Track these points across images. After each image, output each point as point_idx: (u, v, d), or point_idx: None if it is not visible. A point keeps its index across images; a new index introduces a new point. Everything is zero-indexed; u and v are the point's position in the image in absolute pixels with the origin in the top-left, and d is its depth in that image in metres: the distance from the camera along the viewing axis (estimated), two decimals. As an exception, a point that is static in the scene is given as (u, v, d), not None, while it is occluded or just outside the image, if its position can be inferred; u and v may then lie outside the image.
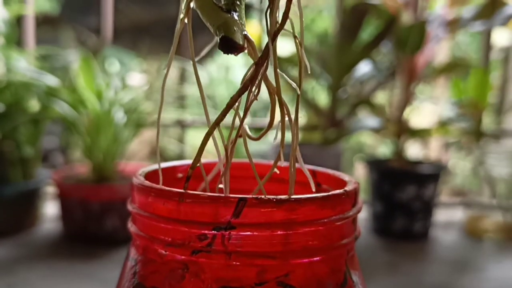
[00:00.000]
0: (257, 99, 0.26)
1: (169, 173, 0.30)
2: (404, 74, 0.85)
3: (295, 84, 0.26)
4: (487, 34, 1.03)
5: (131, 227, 0.25)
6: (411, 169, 0.83)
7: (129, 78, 0.87)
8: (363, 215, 0.90)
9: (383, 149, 1.90)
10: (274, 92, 0.26)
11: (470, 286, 0.63)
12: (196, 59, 0.26)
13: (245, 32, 0.24)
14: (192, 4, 0.25)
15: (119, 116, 0.76)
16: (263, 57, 0.25)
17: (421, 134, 0.90)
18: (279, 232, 0.22)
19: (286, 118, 0.26)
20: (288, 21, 0.25)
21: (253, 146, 1.63)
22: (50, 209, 0.86)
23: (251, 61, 0.25)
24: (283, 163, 0.29)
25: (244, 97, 0.26)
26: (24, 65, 0.77)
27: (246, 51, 0.25)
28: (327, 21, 2.40)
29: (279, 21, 0.25)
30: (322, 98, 0.99)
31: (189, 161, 0.29)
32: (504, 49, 1.25)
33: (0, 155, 0.76)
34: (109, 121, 0.75)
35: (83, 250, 0.70)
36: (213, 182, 0.28)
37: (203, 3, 0.25)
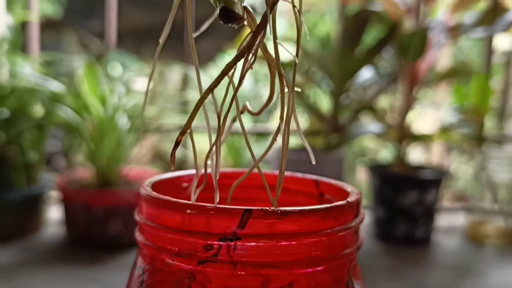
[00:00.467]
0: (252, 68, 0.26)
1: (174, 183, 0.31)
2: (406, 80, 0.86)
3: (293, 54, 0.26)
4: (488, 40, 1.03)
5: (139, 236, 0.26)
6: (413, 174, 0.83)
7: (132, 83, 0.87)
8: (365, 221, 0.90)
9: (386, 153, 1.91)
10: (273, 63, 0.26)
11: (472, 292, 0.63)
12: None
13: (245, 4, 0.24)
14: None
15: (123, 121, 0.77)
16: (261, 25, 0.25)
17: (423, 139, 0.91)
18: (283, 243, 0.23)
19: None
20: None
21: (256, 150, 1.63)
22: (54, 213, 0.87)
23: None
24: (286, 173, 0.29)
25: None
26: (28, 71, 0.78)
27: (245, 22, 0.25)
28: (330, 25, 2.41)
29: None
30: (324, 103, 0.99)
31: (193, 171, 0.30)
32: (506, 53, 1.26)
33: (4, 160, 0.76)
34: (113, 126, 0.76)
35: (87, 254, 0.70)
36: (214, 192, 0.29)
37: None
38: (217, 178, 0.26)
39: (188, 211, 0.23)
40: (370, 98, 0.93)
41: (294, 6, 0.25)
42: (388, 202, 0.83)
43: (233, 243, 0.23)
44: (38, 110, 0.79)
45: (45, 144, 0.82)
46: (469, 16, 0.85)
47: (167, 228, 0.24)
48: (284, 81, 0.26)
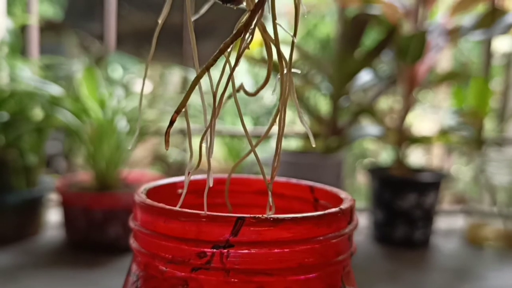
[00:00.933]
0: (249, 48, 0.26)
1: (169, 189, 0.31)
2: (405, 82, 0.86)
3: (291, 33, 0.26)
4: (487, 43, 1.03)
5: (133, 243, 0.26)
6: (412, 177, 0.83)
7: (132, 84, 0.88)
8: (364, 223, 0.91)
9: (386, 155, 1.91)
10: (272, 43, 0.26)
11: (470, 295, 0.63)
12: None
13: None
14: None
15: (122, 124, 0.77)
16: (259, 4, 0.24)
17: (422, 142, 0.91)
18: (276, 250, 0.23)
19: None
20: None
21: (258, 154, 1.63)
22: (53, 216, 0.87)
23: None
24: (281, 179, 0.29)
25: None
26: (28, 74, 0.78)
27: (244, 2, 0.25)
28: (330, 26, 2.41)
29: None
30: (323, 106, 1.00)
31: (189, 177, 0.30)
32: (506, 55, 1.26)
33: (4, 163, 0.76)
34: (112, 129, 0.76)
35: (86, 258, 0.71)
36: (209, 198, 0.29)
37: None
38: (211, 157, 0.26)
39: (182, 218, 0.23)
40: (369, 100, 0.93)
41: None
42: (387, 204, 0.83)
43: (226, 250, 0.23)
44: (37, 113, 0.80)
45: (44, 147, 0.83)
46: (467, 19, 0.85)
47: (161, 235, 0.24)
48: (283, 61, 0.26)
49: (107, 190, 0.76)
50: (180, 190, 0.31)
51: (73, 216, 0.74)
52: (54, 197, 0.87)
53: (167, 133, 0.25)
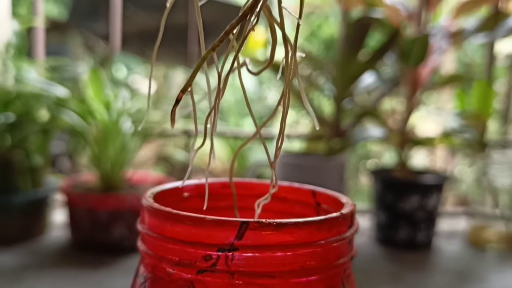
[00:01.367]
0: (254, 30, 0.26)
1: (176, 193, 0.32)
2: (408, 85, 0.87)
3: (296, 15, 0.26)
4: (490, 46, 1.04)
5: (141, 246, 0.27)
6: (415, 179, 0.84)
7: (137, 85, 0.88)
8: (367, 225, 0.91)
9: (389, 156, 1.91)
10: (277, 25, 0.26)
11: (472, 297, 0.64)
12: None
13: None
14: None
15: (127, 126, 0.78)
16: None
17: (424, 144, 0.91)
18: (278, 254, 0.24)
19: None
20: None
21: (259, 154, 1.64)
22: (58, 217, 0.88)
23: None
24: (284, 183, 0.30)
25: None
26: (34, 76, 0.79)
27: None
28: (333, 27, 2.41)
29: None
30: (326, 108, 1.00)
31: (194, 181, 0.31)
32: (510, 56, 1.26)
33: (10, 164, 0.77)
34: (117, 131, 0.77)
35: (91, 258, 0.71)
36: (214, 201, 0.29)
37: None
38: (214, 134, 0.26)
39: (188, 222, 0.24)
40: (372, 103, 0.93)
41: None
42: (389, 206, 0.83)
43: (230, 253, 0.23)
44: (43, 114, 0.80)
45: (50, 148, 0.83)
46: (470, 21, 0.86)
47: (168, 238, 0.25)
48: (288, 44, 0.26)
49: (112, 191, 0.77)
50: (186, 194, 0.32)
51: (78, 216, 0.75)
52: (59, 197, 0.88)
53: (173, 112, 0.25)
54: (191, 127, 1.03)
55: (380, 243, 0.85)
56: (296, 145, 1.22)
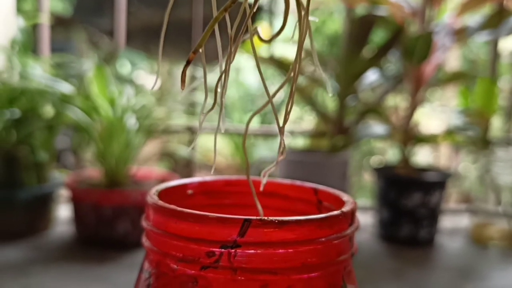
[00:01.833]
0: None
1: (180, 190, 0.32)
2: (411, 82, 0.87)
3: None
4: (494, 43, 1.04)
5: (145, 242, 0.27)
6: (418, 176, 0.84)
7: (141, 79, 0.89)
8: (370, 221, 0.92)
9: (393, 153, 1.91)
10: None
11: (473, 294, 0.64)
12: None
13: None
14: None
15: (131, 122, 0.78)
16: None
17: (428, 141, 0.91)
18: (280, 250, 0.24)
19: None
20: None
21: (263, 151, 1.65)
22: (63, 212, 0.88)
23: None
24: (286, 181, 0.30)
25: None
26: (39, 72, 0.80)
27: None
28: (338, 23, 2.41)
29: None
30: (330, 105, 1.01)
31: (198, 179, 0.31)
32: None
33: (15, 160, 0.78)
34: (121, 127, 0.78)
35: (95, 253, 0.72)
36: (217, 198, 0.30)
37: None
38: (224, 99, 0.26)
39: (192, 219, 0.24)
40: (376, 100, 0.93)
41: None
42: (392, 203, 0.84)
43: (233, 250, 0.24)
44: (48, 110, 0.81)
45: (54, 144, 0.84)
46: (474, 19, 0.86)
47: (172, 235, 0.25)
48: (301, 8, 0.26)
49: (116, 187, 0.78)
50: (190, 191, 0.32)
51: (82, 212, 0.76)
52: (64, 193, 0.89)
53: (183, 73, 0.25)
54: (195, 123, 1.04)
55: (382, 240, 0.85)
56: (299, 142, 1.22)
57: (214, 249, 0.24)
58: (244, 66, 2.01)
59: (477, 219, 0.88)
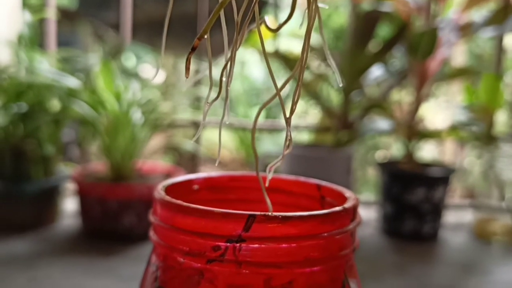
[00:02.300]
0: None
1: (186, 186, 0.33)
2: (416, 78, 0.87)
3: None
4: (499, 39, 1.04)
5: (153, 236, 0.28)
6: (421, 171, 0.84)
7: (146, 73, 0.89)
8: (374, 216, 0.92)
9: (398, 147, 1.91)
10: None
11: (476, 289, 0.65)
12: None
13: None
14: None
15: (137, 116, 0.79)
16: None
17: (432, 137, 0.92)
18: (283, 245, 0.25)
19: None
20: None
21: (268, 145, 1.65)
22: (70, 205, 0.89)
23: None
24: (290, 177, 0.31)
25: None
26: (46, 67, 0.80)
27: None
28: (343, 17, 2.40)
29: None
30: (335, 100, 1.01)
31: (203, 174, 0.32)
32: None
33: (22, 153, 0.79)
34: (127, 121, 0.78)
35: (101, 246, 0.73)
36: (222, 193, 0.30)
37: None
38: (229, 87, 0.26)
39: (198, 214, 0.25)
40: (381, 95, 0.94)
41: None
42: (396, 198, 0.84)
43: (238, 244, 0.25)
44: (55, 105, 0.82)
45: (61, 138, 0.85)
46: (479, 15, 0.86)
47: (179, 229, 0.26)
48: None
49: (122, 181, 0.78)
50: (196, 186, 0.33)
51: (88, 205, 0.77)
52: (70, 186, 0.89)
53: (188, 60, 0.25)
54: (200, 118, 1.04)
55: (386, 234, 0.86)
56: (304, 137, 1.22)
57: (219, 243, 0.25)
58: (249, 60, 2.01)
59: (480, 215, 0.88)
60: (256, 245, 0.25)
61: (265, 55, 0.26)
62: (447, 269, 0.71)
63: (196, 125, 1.05)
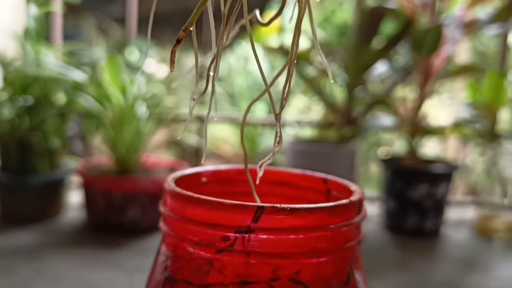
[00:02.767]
0: None
1: (195, 178, 0.33)
2: (420, 74, 0.87)
3: None
4: (503, 37, 1.04)
5: (163, 226, 0.29)
6: (424, 168, 0.85)
7: (150, 67, 0.90)
8: (376, 212, 0.93)
9: (401, 144, 1.91)
10: None
11: (479, 285, 0.65)
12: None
13: None
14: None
15: (142, 110, 0.80)
16: None
17: (435, 133, 0.92)
18: (291, 236, 0.25)
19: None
20: None
21: (269, 140, 1.66)
22: (74, 198, 0.90)
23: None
24: (297, 171, 0.31)
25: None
26: (52, 60, 0.81)
27: None
28: (347, 13, 2.40)
29: None
30: (338, 95, 1.01)
31: (211, 167, 0.32)
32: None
33: (28, 146, 0.79)
34: (132, 115, 0.79)
35: (106, 239, 0.74)
36: (230, 186, 0.31)
37: None
38: (215, 82, 0.26)
39: (208, 206, 0.26)
40: (384, 91, 0.94)
41: None
42: (399, 194, 0.84)
43: (247, 235, 0.25)
44: (60, 98, 0.82)
45: (66, 131, 0.85)
46: (484, 12, 0.86)
47: (189, 220, 0.27)
48: None
49: (126, 174, 0.79)
50: (204, 179, 0.34)
51: (93, 198, 0.77)
52: (75, 179, 0.90)
53: (173, 52, 0.25)
54: (203, 112, 1.04)
55: (388, 230, 0.86)
56: (307, 132, 1.23)
57: (229, 234, 0.25)
58: (252, 55, 2.01)
59: (482, 211, 0.89)
60: (265, 236, 0.25)
61: (253, 48, 0.26)
62: (449, 265, 0.72)
63: (200, 119, 1.05)
